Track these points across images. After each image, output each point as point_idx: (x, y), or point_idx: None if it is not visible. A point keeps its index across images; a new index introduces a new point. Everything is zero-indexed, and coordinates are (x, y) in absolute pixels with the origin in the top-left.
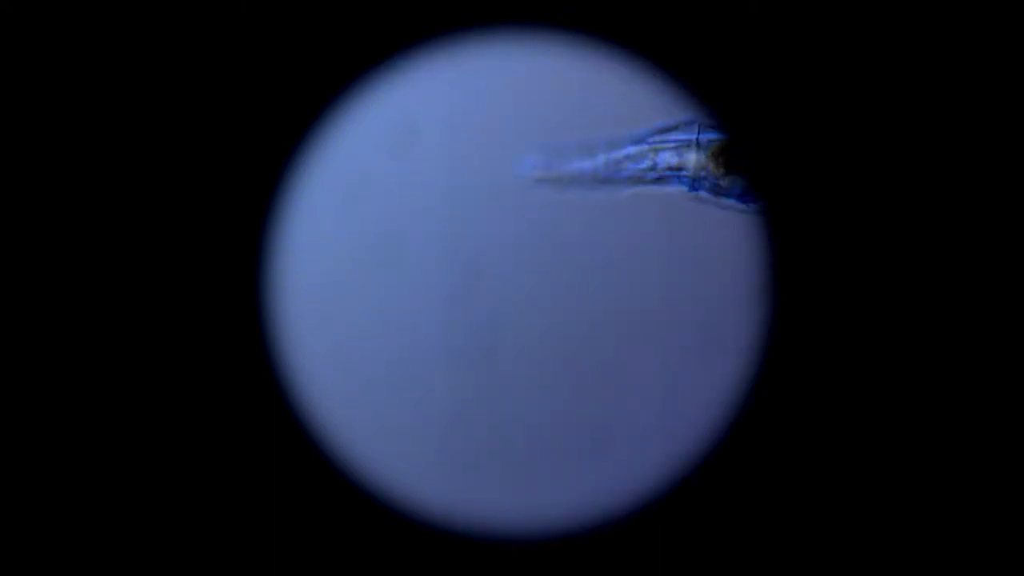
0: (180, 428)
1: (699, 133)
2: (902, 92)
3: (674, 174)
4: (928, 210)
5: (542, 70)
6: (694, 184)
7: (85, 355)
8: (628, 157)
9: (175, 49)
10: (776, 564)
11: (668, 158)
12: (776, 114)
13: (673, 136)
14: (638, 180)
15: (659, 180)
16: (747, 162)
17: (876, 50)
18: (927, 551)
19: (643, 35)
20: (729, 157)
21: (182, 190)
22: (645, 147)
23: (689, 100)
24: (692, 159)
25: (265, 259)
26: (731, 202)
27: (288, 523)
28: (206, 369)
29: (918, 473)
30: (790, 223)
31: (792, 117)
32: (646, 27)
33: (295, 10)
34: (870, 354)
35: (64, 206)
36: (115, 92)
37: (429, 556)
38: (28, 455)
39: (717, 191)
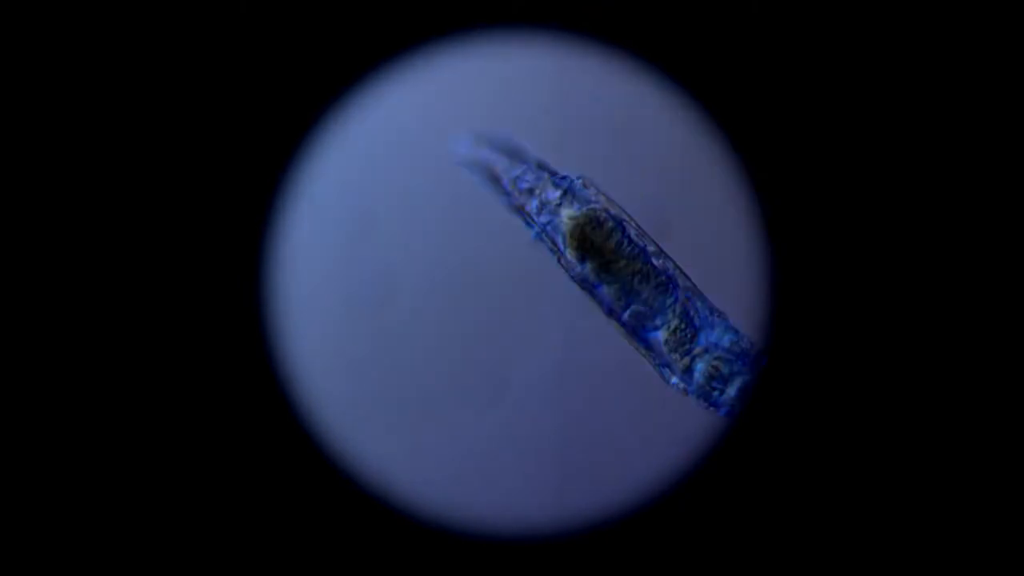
0: (180, 428)
1: (577, 193)
2: (900, 95)
3: (540, 215)
4: (927, 211)
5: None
6: (542, 234)
7: (85, 355)
8: (521, 178)
9: (175, 51)
10: (776, 564)
11: (549, 196)
12: (775, 116)
13: (561, 181)
14: (515, 202)
15: (523, 208)
16: (593, 254)
17: (874, 53)
18: (927, 551)
19: (644, 37)
20: (583, 241)
21: (182, 193)
22: (539, 178)
23: (689, 102)
24: (563, 213)
25: (263, 260)
26: (567, 269)
27: (286, 520)
28: (206, 368)
29: (918, 473)
30: (789, 225)
31: (791, 119)
32: (647, 29)
33: (292, 14)
34: (869, 355)
35: (64, 207)
36: (115, 93)
37: (426, 553)
38: (28, 454)
39: (557, 256)
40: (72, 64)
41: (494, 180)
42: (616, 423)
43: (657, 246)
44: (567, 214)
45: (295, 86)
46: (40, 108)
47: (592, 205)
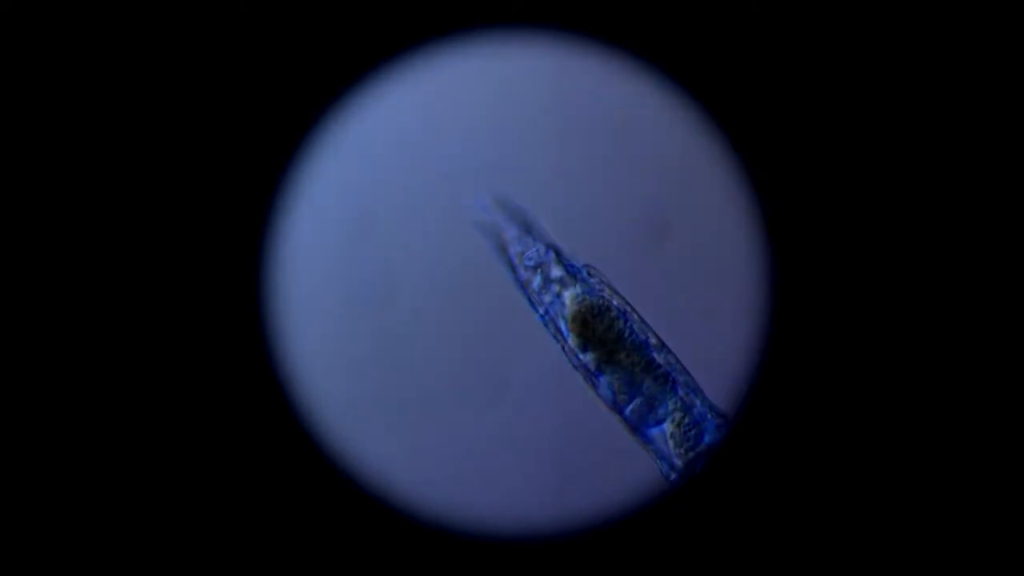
0: (181, 428)
1: (586, 279)
2: (900, 95)
3: (542, 292)
4: (926, 211)
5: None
6: (546, 319)
7: (86, 355)
8: (528, 255)
9: (175, 52)
10: (776, 564)
11: (552, 274)
12: (775, 116)
13: (568, 263)
14: (521, 278)
15: (528, 286)
16: (596, 344)
17: (874, 53)
18: (927, 551)
19: (644, 37)
20: (584, 328)
21: (182, 193)
22: (546, 255)
23: (689, 102)
24: (567, 294)
25: (263, 260)
26: (569, 351)
27: (286, 520)
28: (206, 368)
29: (917, 472)
30: (789, 225)
31: (791, 119)
32: (647, 29)
33: (292, 14)
34: (868, 354)
35: (65, 207)
36: (115, 93)
37: (426, 553)
38: (29, 454)
39: (561, 344)
40: (72, 64)
41: (503, 250)
42: (616, 423)
43: (659, 339)
44: (569, 296)
45: (295, 86)
46: (40, 108)
47: (596, 294)
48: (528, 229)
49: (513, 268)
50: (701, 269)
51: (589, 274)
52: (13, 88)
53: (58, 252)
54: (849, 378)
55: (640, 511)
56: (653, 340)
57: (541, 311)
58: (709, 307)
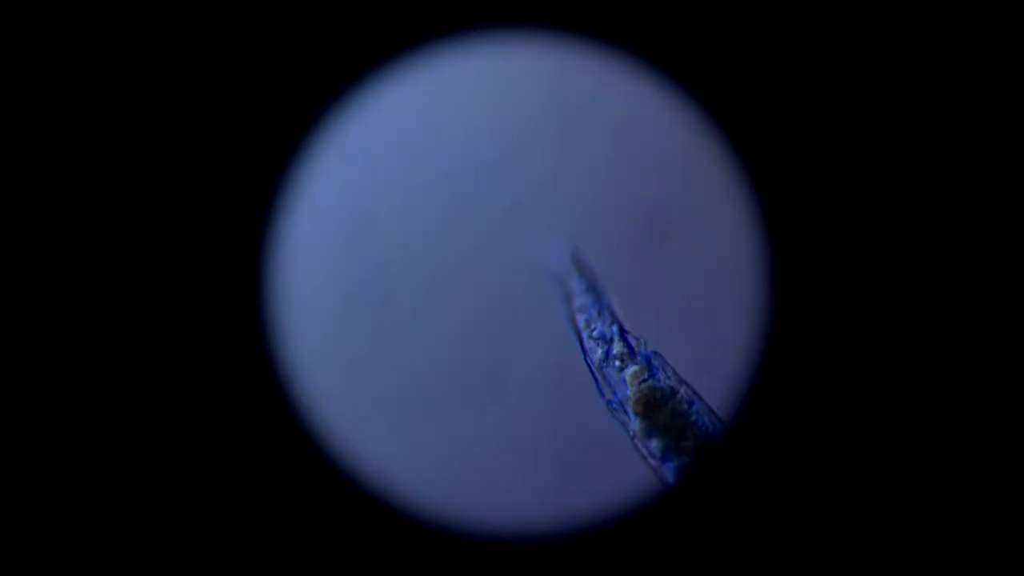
0: (180, 428)
1: (650, 361)
2: (900, 94)
3: (610, 363)
4: (927, 211)
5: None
6: (609, 399)
7: (86, 355)
8: (593, 324)
9: (175, 52)
10: (776, 564)
11: (612, 350)
12: (775, 116)
13: (632, 341)
14: (587, 347)
15: (592, 355)
16: (662, 430)
17: (875, 53)
18: (927, 551)
19: (644, 37)
20: (649, 409)
21: (182, 193)
22: (609, 330)
23: (689, 102)
24: (629, 372)
25: (263, 260)
26: (631, 430)
27: (286, 520)
28: (206, 368)
29: (917, 475)
30: (789, 225)
31: (791, 119)
32: (647, 29)
33: (292, 15)
34: (869, 355)
35: (64, 207)
36: (115, 93)
37: (426, 553)
38: (28, 454)
39: (621, 418)
40: (72, 64)
41: (571, 316)
42: (616, 423)
43: (722, 422)
44: (630, 375)
45: (295, 86)
46: (40, 108)
47: (661, 379)
48: (598, 296)
49: (579, 337)
50: (701, 269)
51: (654, 357)
52: (13, 88)
53: (58, 252)
54: (849, 378)
55: (640, 511)
56: (718, 425)
57: (607, 397)
58: (709, 307)
